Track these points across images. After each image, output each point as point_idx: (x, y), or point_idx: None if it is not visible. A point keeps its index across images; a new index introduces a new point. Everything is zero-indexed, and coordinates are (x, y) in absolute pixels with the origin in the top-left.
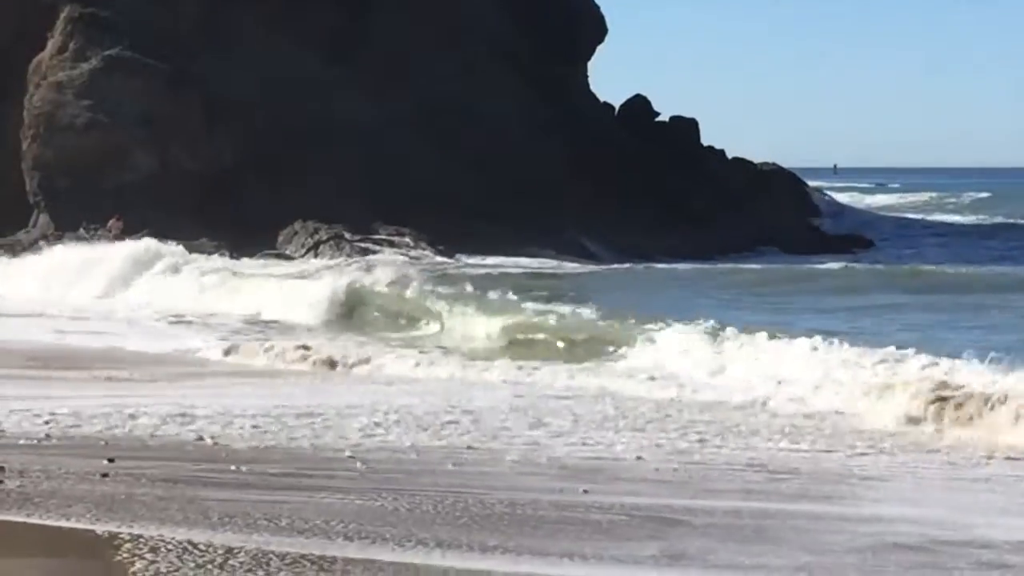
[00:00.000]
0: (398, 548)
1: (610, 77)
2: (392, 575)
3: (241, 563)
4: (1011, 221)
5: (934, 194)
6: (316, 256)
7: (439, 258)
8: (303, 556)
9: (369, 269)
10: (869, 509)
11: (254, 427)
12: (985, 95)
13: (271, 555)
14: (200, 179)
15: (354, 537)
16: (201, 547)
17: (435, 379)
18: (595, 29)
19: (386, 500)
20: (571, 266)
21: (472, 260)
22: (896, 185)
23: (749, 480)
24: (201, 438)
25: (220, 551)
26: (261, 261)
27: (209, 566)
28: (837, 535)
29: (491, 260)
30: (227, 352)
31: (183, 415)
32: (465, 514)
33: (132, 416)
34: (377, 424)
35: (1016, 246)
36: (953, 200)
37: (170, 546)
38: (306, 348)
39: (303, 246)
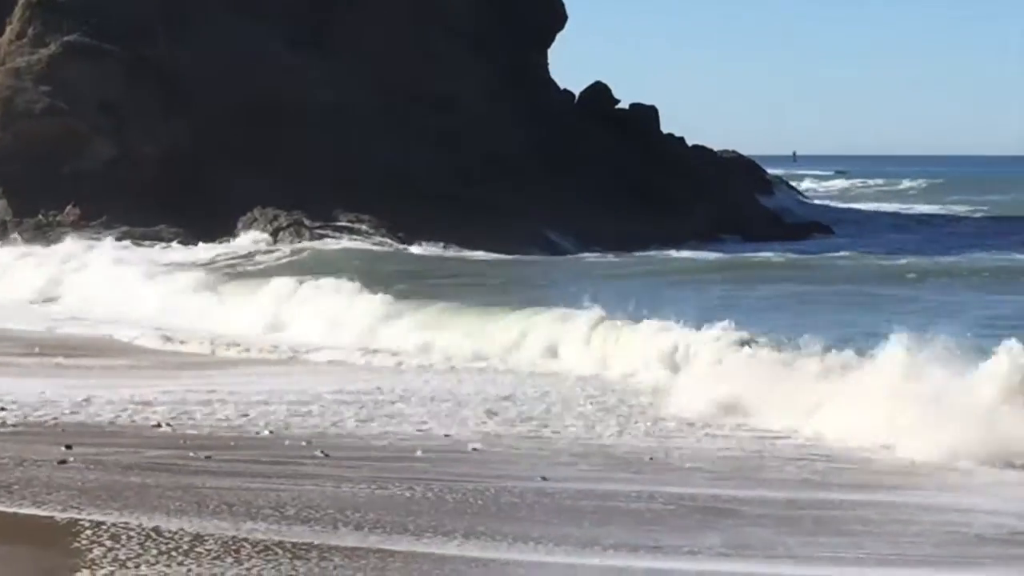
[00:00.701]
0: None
1: (570, 65)
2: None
3: (209, 550)
4: (955, 211)
5: (882, 180)
6: (276, 242)
7: (399, 246)
8: (278, 543)
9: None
10: None
11: (209, 414)
12: (932, 83)
13: (242, 542)
14: (160, 165)
15: (338, 524)
16: (167, 534)
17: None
18: (555, 16)
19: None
20: (527, 256)
21: (432, 248)
22: (847, 171)
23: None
24: (159, 425)
25: (187, 538)
26: (218, 247)
27: (174, 553)
28: None
29: (451, 252)
30: (167, 340)
31: (140, 403)
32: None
33: (86, 402)
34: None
35: (966, 234)
36: (912, 186)
37: (131, 533)
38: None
39: (263, 231)
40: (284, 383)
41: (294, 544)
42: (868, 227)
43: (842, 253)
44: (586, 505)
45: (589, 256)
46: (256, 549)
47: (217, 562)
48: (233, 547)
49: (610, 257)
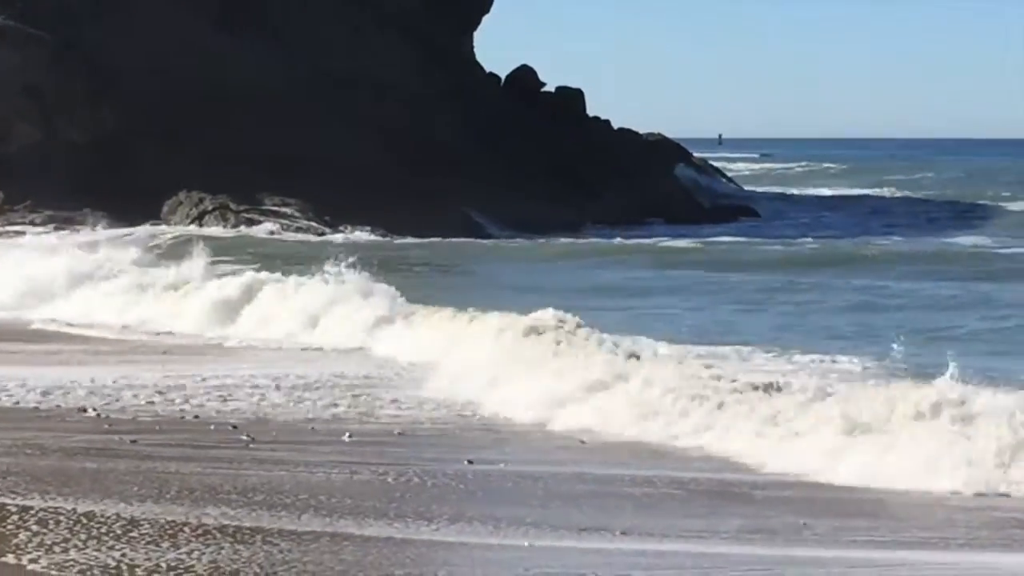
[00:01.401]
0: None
1: (499, 49)
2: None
3: (144, 534)
4: (876, 192)
5: (806, 163)
6: (201, 226)
7: (325, 230)
8: (221, 528)
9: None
10: None
11: (133, 398)
12: (856, 66)
13: (183, 526)
14: (86, 149)
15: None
16: (100, 518)
17: None
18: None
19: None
20: (445, 240)
21: (357, 233)
22: (772, 154)
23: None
24: (84, 409)
25: (122, 521)
26: (142, 230)
27: (106, 537)
28: None
29: (374, 236)
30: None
31: (62, 387)
32: None
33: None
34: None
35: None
36: (835, 168)
37: (60, 518)
38: None
39: (187, 216)
40: (208, 369)
41: (237, 528)
42: (789, 211)
43: (737, 239)
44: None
45: (512, 241)
46: (195, 533)
47: (152, 547)
48: (170, 531)
49: (520, 241)
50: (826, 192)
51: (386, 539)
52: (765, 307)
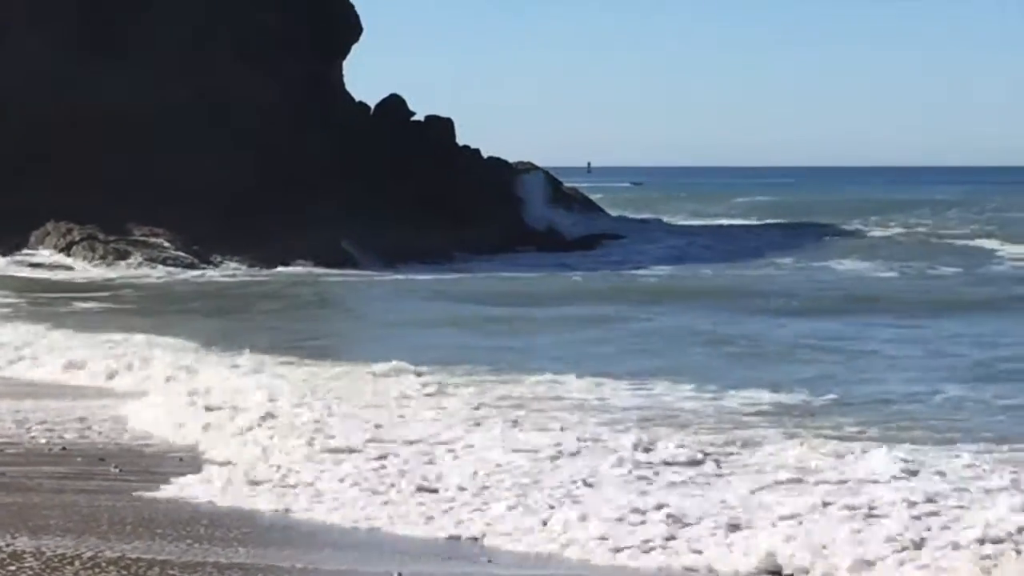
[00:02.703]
0: None
1: (371, 79)
2: None
3: None
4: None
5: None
6: (69, 256)
7: (195, 261)
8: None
9: None
10: None
11: None
12: (724, 96)
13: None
14: None
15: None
16: None
17: None
18: (350, 28)
19: None
20: (313, 271)
21: (217, 270)
22: (642, 182)
23: None
24: None
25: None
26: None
27: None
28: None
29: (245, 269)
30: None
31: None
32: None
33: None
34: None
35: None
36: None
37: None
38: None
39: (55, 247)
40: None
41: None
42: (645, 238)
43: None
44: None
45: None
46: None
47: None
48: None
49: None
50: (683, 220)
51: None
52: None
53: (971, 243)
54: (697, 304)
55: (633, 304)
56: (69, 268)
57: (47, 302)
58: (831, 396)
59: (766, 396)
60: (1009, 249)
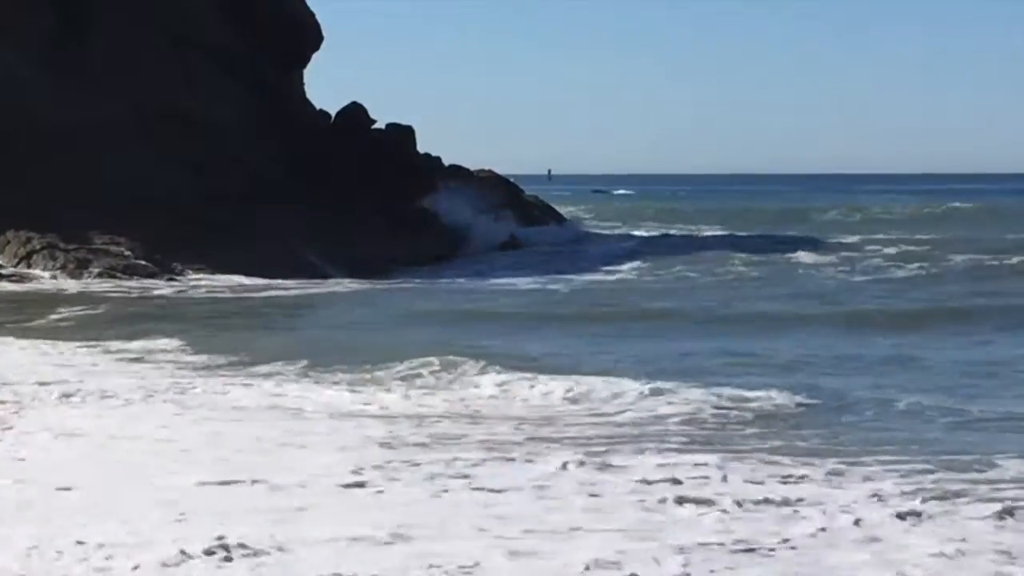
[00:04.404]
0: None
1: (334, 88)
2: None
3: None
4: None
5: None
6: (29, 266)
7: (156, 271)
8: None
9: None
10: None
11: None
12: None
13: None
14: None
15: None
16: None
17: None
18: (311, 36)
19: None
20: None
21: (181, 279)
22: (605, 190)
23: None
24: None
25: None
26: None
27: None
28: None
29: (213, 279)
30: None
31: None
32: None
33: None
34: None
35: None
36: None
37: None
38: None
39: (15, 256)
40: None
41: None
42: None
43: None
44: None
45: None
46: None
47: None
48: None
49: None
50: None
51: None
52: None
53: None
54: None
55: None
56: (37, 278)
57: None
58: None
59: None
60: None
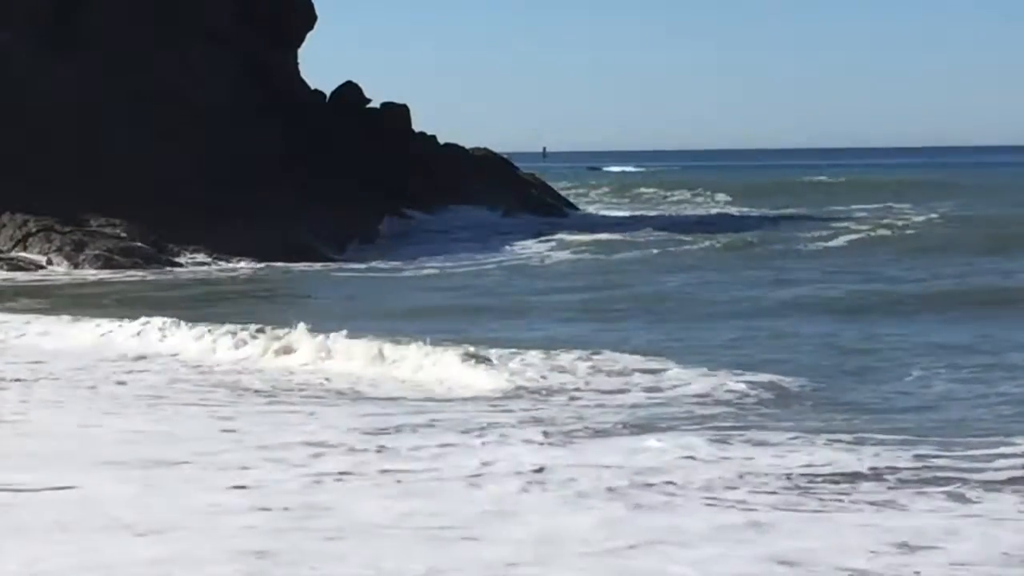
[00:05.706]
0: None
1: (330, 67)
2: None
3: None
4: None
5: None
6: (25, 249)
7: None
8: None
9: None
10: None
11: None
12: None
13: None
14: None
15: None
16: None
17: None
18: (305, 15)
19: None
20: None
21: (182, 260)
22: (599, 167)
23: None
24: None
25: None
26: None
27: None
28: None
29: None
30: None
31: None
32: None
33: None
34: None
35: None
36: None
37: None
38: None
39: (11, 239)
40: None
41: None
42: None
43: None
44: None
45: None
46: None
47: None
48: None
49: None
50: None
51: None
52: None
53: None
54: None
55: None
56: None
57: None
58: None
59: None
60: None
